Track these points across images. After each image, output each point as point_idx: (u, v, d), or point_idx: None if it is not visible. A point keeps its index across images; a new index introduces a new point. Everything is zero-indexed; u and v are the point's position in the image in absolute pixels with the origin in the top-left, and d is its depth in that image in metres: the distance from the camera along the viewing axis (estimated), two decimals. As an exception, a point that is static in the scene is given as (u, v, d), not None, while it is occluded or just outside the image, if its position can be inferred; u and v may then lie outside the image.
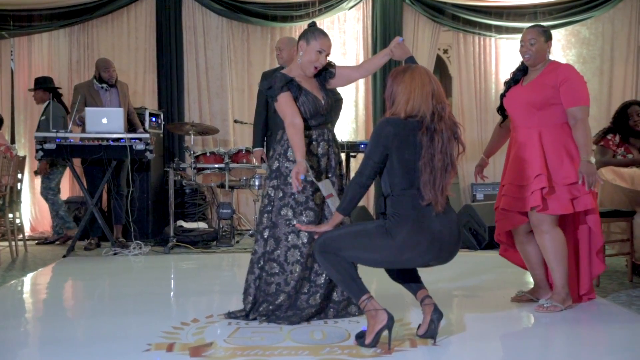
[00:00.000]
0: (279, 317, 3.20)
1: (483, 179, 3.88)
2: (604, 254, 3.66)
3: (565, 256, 3.41)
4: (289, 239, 3.22)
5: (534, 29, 3.55)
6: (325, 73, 3.37)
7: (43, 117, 6.53)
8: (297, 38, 3.42)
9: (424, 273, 2.91)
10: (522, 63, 3.62)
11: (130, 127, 6.17)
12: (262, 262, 3.27)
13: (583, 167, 3.33)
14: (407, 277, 2.92)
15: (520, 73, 3.63)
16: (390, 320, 2.67)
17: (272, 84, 3.24)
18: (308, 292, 3.27)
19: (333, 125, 3.44)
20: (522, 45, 3.53)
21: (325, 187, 2.99)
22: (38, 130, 6.58)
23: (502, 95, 3.69)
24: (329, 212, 3.21)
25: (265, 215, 3.27)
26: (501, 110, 3.75)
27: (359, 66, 3.59)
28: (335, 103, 3.39)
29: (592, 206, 3.43)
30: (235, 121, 7.11)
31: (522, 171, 3.44)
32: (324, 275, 3.24)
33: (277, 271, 3.22)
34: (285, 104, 3.19)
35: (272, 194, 3.26)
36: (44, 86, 6.57)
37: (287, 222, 3.21)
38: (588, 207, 3.42)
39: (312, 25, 3.37)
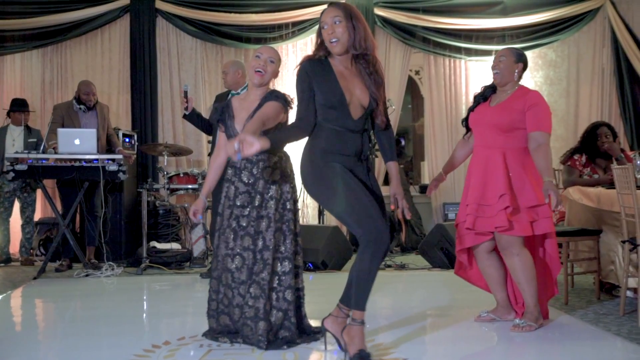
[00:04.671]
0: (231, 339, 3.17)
1: (432, 192, 3.82)
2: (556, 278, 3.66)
3: (534, 276, 3.46)
4: (226, 261, 3.16)
5: (507, 48, 3.68)
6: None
7: None
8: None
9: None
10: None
11: (109, 147, 6.17)
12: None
13: (549, 186, 3.32)
14: None
15: (490, 90, 3.69)
16: None
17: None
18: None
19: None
20: (493, 61, 3.66)
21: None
22: None
23: (471, 110, 3.73)
24: (268, 241, 3.07)
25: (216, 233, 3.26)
26: (467, 122, 3.76)
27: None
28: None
29: (550, 229, 3.47)
30: (209, 142, 7.12)
31: (486, 191, 3.47)
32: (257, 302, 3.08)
33: (215, 289, 3.22)
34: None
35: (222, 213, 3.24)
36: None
37: (226, 245, 3.16)
38: (547, 231, 3.46)
39: None
